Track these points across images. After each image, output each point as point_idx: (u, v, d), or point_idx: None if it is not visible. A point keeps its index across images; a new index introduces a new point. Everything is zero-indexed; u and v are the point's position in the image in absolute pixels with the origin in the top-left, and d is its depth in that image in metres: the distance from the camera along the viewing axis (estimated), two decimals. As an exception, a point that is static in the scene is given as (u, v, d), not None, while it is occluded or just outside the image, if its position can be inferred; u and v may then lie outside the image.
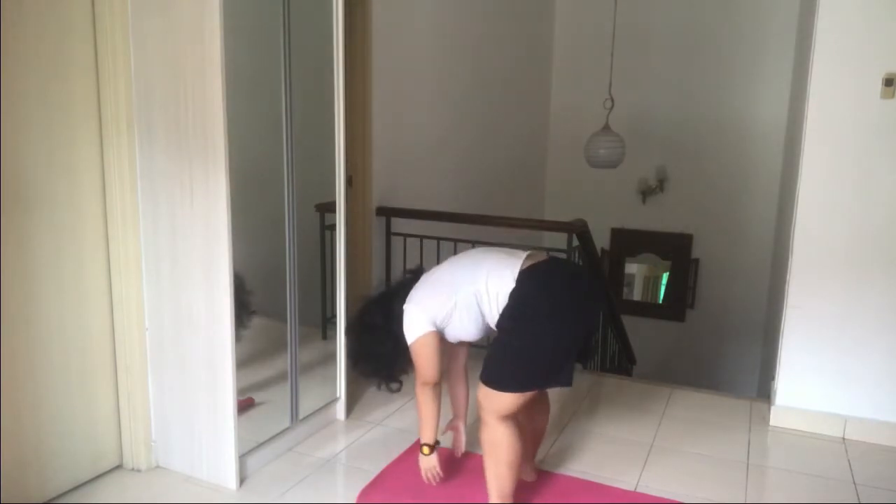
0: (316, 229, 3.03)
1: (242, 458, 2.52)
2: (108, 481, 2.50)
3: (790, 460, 2.82)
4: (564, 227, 3.62)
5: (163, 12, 2.28)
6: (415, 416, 2.71)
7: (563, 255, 3.52)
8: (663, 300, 6.43)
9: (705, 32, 5.80)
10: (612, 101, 4.78)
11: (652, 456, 2.79)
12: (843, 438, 2.99)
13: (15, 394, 2.20)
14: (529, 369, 2.14)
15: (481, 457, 2.25)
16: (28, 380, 2.24)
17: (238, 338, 2.41)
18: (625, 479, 2.60)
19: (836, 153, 2.91)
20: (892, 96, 2.79)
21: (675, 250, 6.22)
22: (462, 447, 2.62)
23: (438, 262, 2.45)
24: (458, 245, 3.67)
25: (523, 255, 2.23)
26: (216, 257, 2.33)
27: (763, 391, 4.43)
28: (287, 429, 2.77)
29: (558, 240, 3.69)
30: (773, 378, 3.22)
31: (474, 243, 3.62)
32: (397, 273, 3.81)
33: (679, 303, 6.26)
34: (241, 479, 2.51)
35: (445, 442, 2.63)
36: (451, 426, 2.62)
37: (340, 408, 3.06)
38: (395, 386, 2.43)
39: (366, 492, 2.47)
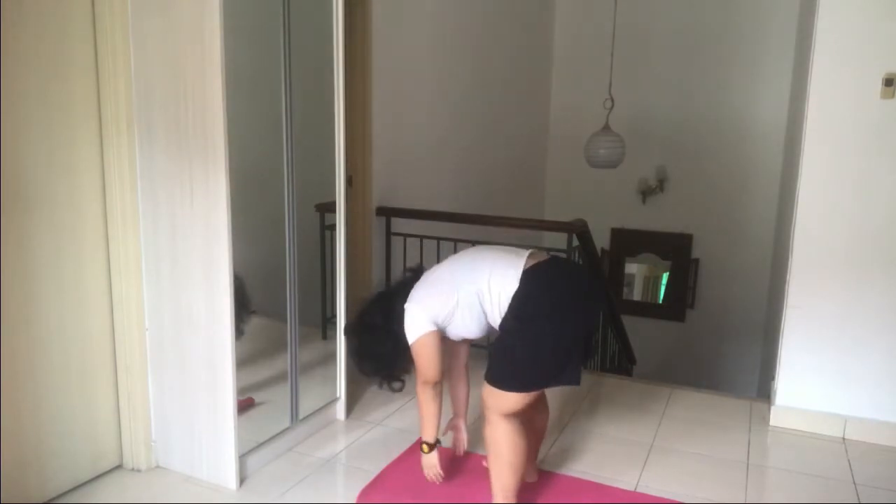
0: (316, 229, 3.03)
1: (242, 458, 2.52)
2: (108, 481, 2.50)
3: (790, 460, 2.82)
4: (564, 227, 3.62)
5: (163, 12, 2.28)
6: (415, 416, 2.72)
7: (563, 255, 3.52)
8: (663, 300, 6.43)
9: (705, 32, 5.80)
10: (612, 101, 4.78)
11: (652, 456, 2.79)
12: (843, 438, 2.99)
13: (15, 394, 2.20)
14: (534, 369, 2.14)
15: (482, 457, 2.25)
16: (28, 380, 2.24)
17: (237, 334, 2.41)
18: (625, 479, 2.60)
19: (836, 153, 2.91)
20: (892, 96, 2.79)
21: (675, 250, 6.22)
22: (463, 446, 2.62)
23: (438, 262, 2.45)
24: (457, 245, 3.66)
25: (525, 253, 2.23)
26: (216, 257, 2.33)
27: (763, 391, 4.43)
28: (287, 429, 2.77)
29: (558, 240, 3.69)
30: (773, 378, 3.22)
31: (474, 243, 3.61)
32: (397, 273, 3.81)
33: (679, 303, 6.26)
34: (241, 479, 2.51)
35: (446, 442, 2.63)
36: (452, 425, 2.62)
37: (340, 408, 3.06)
38: (397, 385, 2.43)
39: (366, 492, 2.47)
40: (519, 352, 2.13)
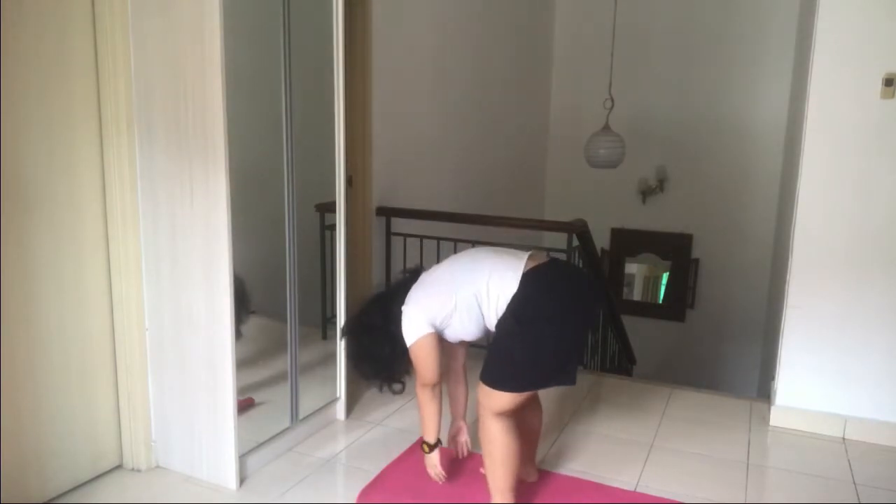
0: (316, 229, 3.03)
1: (242, 458, 2.52)
2: (108, 481, 2.50)
3: (790, 460, 2.82)
4: (564, 227, 3.62)
5: (163, 12, 2.28)
6: (415, 416, 2.72)
7: (563, 255, 3.52)
8: (663, 300, 6.43)
9: (705, 32, 5.80)
10: (612, 101, 4.78)
11: (652, 456, 2.79)
12: (843, 438, 2.99)
13: (15, 394, 2.20)
14: (533, 371, 2.14)
15: (482, 459, 2.26)
16: (28, 380, 2.24)
17: (238, 364, 2.41)
18: (625, 479, 2.60)
19: (836, 153, 2.91)
20: (892, 96, 2.79)
21: (675, 250, 6.22)
22: (466, 448, 2.62)
23: (438, 262, 2.44)
24: (457, 245, 3.67)
25: (525, 255, 2.22)
26: (216, 257, 2.33)
27: (763, 391, 4.43)
28: (287, 429, 2.77)
29: (558, 240, 3.69)
30: (773, 378, 3.22)
31: (474, 243, 3.62)
32: (397, 273, 3.82)
33: (679, 303, 6.26)
34: (241, 479, 2.51)
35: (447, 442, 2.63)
36: (454, 431, 2.61)
37: (340, 408, 3.06)
38: (397, 387, 2.42)
39: (366, 492, 2.47)
40: (518, 353, 2.13)
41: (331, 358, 3.02)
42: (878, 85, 2.80)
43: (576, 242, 3.73)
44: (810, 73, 2.92)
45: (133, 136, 2.39)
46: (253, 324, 2.61)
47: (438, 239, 3.76)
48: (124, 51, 2.34)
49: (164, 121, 2.34)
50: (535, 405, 2.44)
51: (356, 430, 2.97)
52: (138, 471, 2.57)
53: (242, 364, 2.49)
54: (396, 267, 3.84)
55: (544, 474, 2.60)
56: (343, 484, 2.59)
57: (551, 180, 6.53)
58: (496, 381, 2.14)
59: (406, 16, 3.87)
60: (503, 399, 2.13)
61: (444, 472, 2.42)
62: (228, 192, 2.28)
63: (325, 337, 3.12)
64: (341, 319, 2.95)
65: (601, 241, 6.16)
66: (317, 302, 3.08)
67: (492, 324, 2.20)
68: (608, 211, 6.30)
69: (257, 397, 2.71)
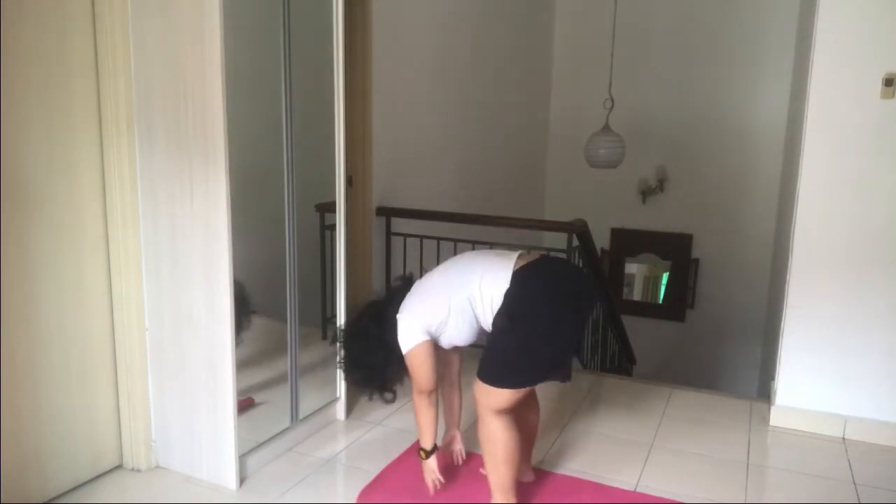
0: (316, 229, 3.03)
1: (242, 458, 2.52)
2: (108, 481, 2.50)
3: (790, 460, 2.82)
4: (564, 227, 3.62)
5: (163, 12, 2.28)
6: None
7: (563, 255, 3.52)
8: (663, 300, 6.43)
9: (705, 32, 5.80)
10: (612, 101, 4.78)
11: (652, 456, 2.79)
12: (843, 438, 2.99)
13: (15, 394, 2.20)
14: (526, 366, 2.15)
15: (482, 460, 2.26)
16: (28, 380, 2.24)
17: (237, 341, 2.41)
18: (625, 479, 2.60)
19: (836, 153, 2.91)
20: (892, 96, 2.79)
21: (675, 250, 6.22)
22: (462, 455, 2.62)
23: (438, 262, 2.44)
24: (457, 245, 3.67)
25: (514, 255, 2.23)
26: (216, 257, 2.33)
27: (763, 391, 4.43)
28: (287, 429, 2.77)
29: (558, 240, 3.69)
30: (773, 378, 3.22)
31: (474, 243, 3.63)
32: (397, 273, 3.83)
33: (679, 303, 6.26)
34: (241, 479, 2.51)
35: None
36: (448, 440, 2.60)
37: (340, 408, 3.06)
38: (388, 396, 2.39)
39: (366, 492, 2.47)
40: (512, 350, 2.14)
41: (331, 358, 3.01)
42: (878, 85, 2.80)
43: (576, 242, 3.74)
44: (810, 73, 2.92)
45: (133, 136, 2.39)
46: (253, 324, 2.61)
47: (438, 239, 3.76)
48: (124, 51, 2.34)
49: (164, 121, 2.34)
50: (532, 403, 2.45)
51: (356, 430, 2.97)
52: (138, 471, 2.57)
53: (242, 364, 2.49)
54: (396, 267, 3.84)
55: (544, 474, 2.60)
56: (343, 484, 2.59)
57: (551, 180, 6.53)
58: (493, 378, 2.14)
59: (406, 16, 3.87)
60: (501, 396, 2.14)
61: (441, 478, 2.42)
62: (228, 192, 2.28)
63: (325, 337, 3.12)
64: (341, 319, 2.95)
65: (601, 241, 6.16)
66: (317, 302, 3.08)
67: (487, 325, 2.21)
68: (608, 211, 6.30)
69: (257, 397, 2.71)
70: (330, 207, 2.91)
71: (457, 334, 2.25)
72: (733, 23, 5.69)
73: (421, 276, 2.40)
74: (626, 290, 6.55)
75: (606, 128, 4.88)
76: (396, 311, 2.27)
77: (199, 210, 2.34)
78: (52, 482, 2.36)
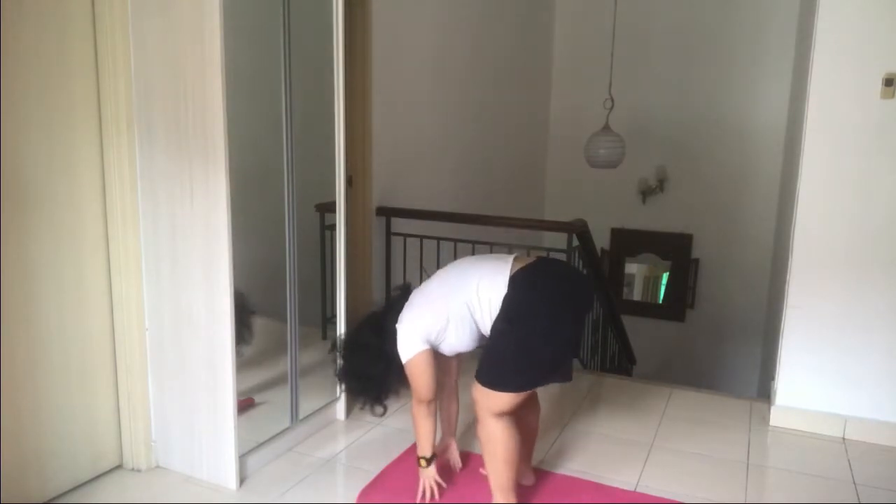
0: (316, 229, 3.03)
1: (242, 458, 2.52)
2: (108, 481, 2.50)
3: (790, 460, 2.82)
4: (564, 227, 3.62)
5: (163, 12, 2.28)
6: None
7: (563, 255, 3.52)
8: (663, 300, 6.43)
9: (705, 32, 5.80)
10: (612, 101, 4.78)
11: (652, 456, 2.79)
12: (843, 438, 2.99)
13: (15, 394, 2.20)
14: (525, 368, 2.15)
15: (482, 460, 2.25)
16: (28, 380, 2.24)
17: (239, 353, 2.41)
18: (625, 479, 2.60)
19: (836, 153, 2.91)
20: (892, 96, 2.79)
21: (675, 250, 6.22)
22: (458, 464, 2.61)
23: (438, 262, 2.44)
24: (458, 245, 3.67)
25: (510, 258, 2.24)
26: (216, 257, 2.33)
27: (763, 391, 4.43)
28: (287, 429, 2.77)
29: (558, 240, 3.69)
30: (773, 378, 3.22)
31: (474, 243, 3.64)
32: (398, 273, 3.84)
33: (679, 303, 6.26)
34: (241, 479, 2.51)
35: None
36: (443, 447, 2.59)
37: (340, 408, 3.06)
38: (379, 410, 2.38)
39: (366, 492, 2.47)
40: (511, 353, 2.14)
41: (331, 358, 3.02)
42: (878, 85, 2.80)
43: (576, 242, 3.73)
44: (810, 73, 2.92)
45: (133, 136, 2.39)
46: (253, 324, 2.61)
47: (438, 239, 3.76)
48: (124, 51, 2.34)
49: (164, 121, 2.34)
50: (533, 404, 2.44)
51: (356, 430, 2.97)
52: (138, 471, 2.57)
53: (242, 364, 2.49)
54: (396, 267, 3.84)
55: (544, 474, 2.60)
56: (343, 484, 2.59)
57: (551, 180, 6.53)
58: (493, 381, 2.14)
59: (406, 16, 3.87)
60: (501, 399, 2.13)
61: (441, 483, 2.42)
62: (228, 192, 2.28)
63: (325, 337, 3.12)
64: (341, 319, 2.95)
65: (601, 241, 6.16)
66: (317, 302, 3.08)
67: (487, 330, 2.21)
68: (608, 211, 6.30)
69: (257, 397, 2.71)
70: (330, 207, 2.91)
71: (457, 341, 2.25)
72: (733, 23, 5.69)
73: (421, 277, 2.40)
74: (626, 290, 6.55)
75: (606, 128, 4.88)
76: (395, 322, 2.27)
77: (199, 210, 2.34)
78: (52, 482, 2.36)
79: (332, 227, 2.96)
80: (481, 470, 2.50)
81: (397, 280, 3.81)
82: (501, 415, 2.15)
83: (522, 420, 2.34)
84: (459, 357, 2.42)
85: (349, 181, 3.43)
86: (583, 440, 2.91)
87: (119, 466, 2.58)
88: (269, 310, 2.77)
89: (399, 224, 3.82)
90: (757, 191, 5.75)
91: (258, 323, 2.68)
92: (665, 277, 6.38)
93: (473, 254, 3.55)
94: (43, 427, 2.30)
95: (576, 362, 4.11)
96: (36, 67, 2.16)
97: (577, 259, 3.80)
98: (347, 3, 2.90)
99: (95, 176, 2.39)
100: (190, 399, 2.49)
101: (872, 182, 2.88)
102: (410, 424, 2.95)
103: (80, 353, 2.40)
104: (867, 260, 2.92)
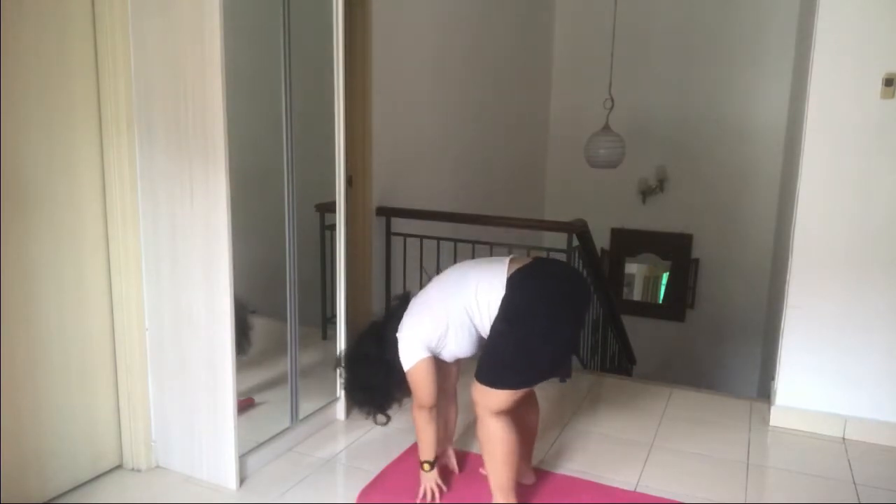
0: (316, 229, 3.03)
1: (242, 458, 2.52)
2: (108, 481, 2.50)
3: (790, 460, 2.82)
4: (564, 227, 3.62)
5: (163, 12, 2.28)
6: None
7: (563, 255, 3.52)
8: (663, 300, 6.43)
9: (705, 32, 5.80)
10: (612, 101, 4.78)
11: (652, 456, 2.79)
12: (843, 438, 2.99)
13: (15, 394, 2.20)
14: (524, 367, 2.15)
15: (482, 461, 2.26)
16: (28, 380, 2.24)
17: (237, 359, 2.41)
18: (625, 479, 2.60)
19: (836, 153, 2.91)
20: (892, 96, 2.79)
21: (675, 250, 6.22)
22: (456, 467, 2.61)
23: (438, 262, 2.45)
24: (458, 245, 3.67)
25: (506, 260, 2.24)
26: (216, 257, 2.33)
27: (763, 391, 4.43)
28: (287, 429, 2.77)
29: (558, 240, 3.69)
30: (773, 378, 3.22)
31: (474, 243, 3.64)
32: (398, 273, 3.84)
33: (679, 303, 6.26)
34: (241, 479, 2.51)
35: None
36: (439, 452, 2.58)
37: (340, 408, 3.06)
38: (381, 419, 2.40)
39: (366, 492, 2.47)
40: (510, 351, 2.14)
41: (331, 358, 3.02)
42: (878, 85, 2.80)
43: (576, 242, 3.73)
44: (810, 73, 2.92)
45: (133, 136, 2.39)
46: (253, 321, 2.61)
47: (438, 239, 3.76)
48: (124, 51, 2.33)
49: (164, 121, 2.34)
50: (532, 403, 2.45)
51: (356, 430, 2.97)
52: (138, 471, 2.57)
53: (242, 364, 2.48)
54: (396, 267, 3.84)
55: (544, 474, 2.60)
56: (343, 484, 2.59)
57: (551, 180, 6.53)
58: (491, 379, 2.15)
59: (406, 16, 3.87)
60: (499, 397, 2.14)
61: (443, 486, 2.42)
62: (228, 192, 2.28)
63: (325, 337, 3.12)
64: (341, 319, 2.95)
65: (601, 241, 6.16)
66: (317, 302, 3.08)
67: (486, 333, 2.21)
68: (608, 211, 6.30)
69: (257, 397, 2.71)
70: (330, 207, 2.91)
71: (457, 347, 2.26)
72: (733, 23, 5.69)
73: (421, 277, 2.41)
74: (626, 290, 6.55)
75: (606, 128, 4.88)
76: (395, 330, 2.27)
77: (199, 210, 2.34)
78: (52, 482, 2.36)
79: (332, 227, 2.96)
80: (481, 470, 2.50)
81: (397, 280, 3.81)
82: (500, 414, 2.16)
83: (522, 420, 2.34)
84: (459, 362, 2.43)
85: (349, 181, 3.43)
86: (583, 440, 2.91)
87: (119, 466, 2.58)
88: (269, 310, 2.77)
89: (399, 224, 3.82)
90: (757, 191, 5.75)
91: (258, 323, 2.68)
92: (665, 277, 6.38)
93: (473, 254, 3.55)
94: (43, 427, 2.30)
95: (576, 362, 4.12)
96: (36, 67, 2.16)
97: (577, 259, 3.80)
98: (347, 3, 2.90)
99: (95, 176, 2.39)
100: (190, 399, 2.49)
101: (872, 182, 2.88)
102: (410, 425, 2.95)
103: (80, 353, 2.40)
104: (867, 260, 2.92)
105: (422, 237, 3.80)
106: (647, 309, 6.42)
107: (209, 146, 2.27)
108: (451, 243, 3.68)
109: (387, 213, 3.77)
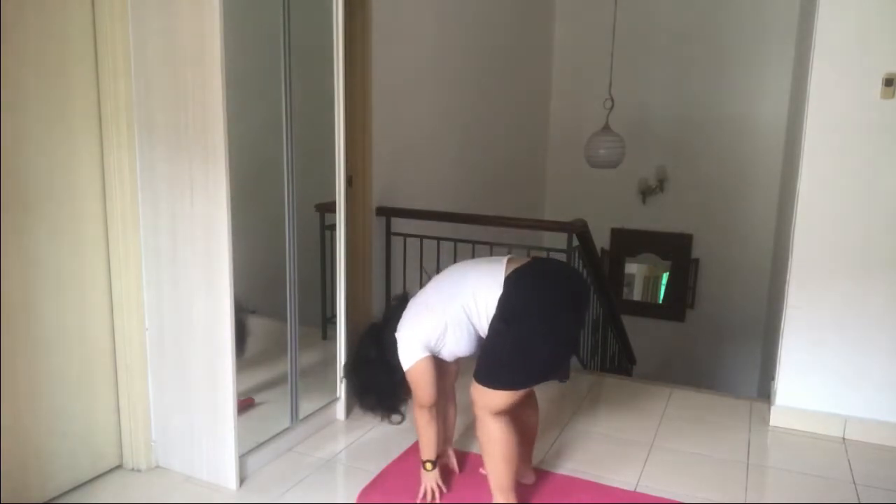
0: (316, 229, 3.03)
1: (242, 458, 2.52)
2: (108, 481, 2.50)
3: (790, 460, 2.82)
4: (564, 227, 3.62)
5: (163, 12, 2.28)
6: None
7: (563, 256, 3.52)
8: (663, 300, 6.43)
9: (705, 32, 5.80)
10: (612, 101, 4.78)
11: (652, 456, 2.79)
12: (843, 438, 2.99)
13: (15, 394, 2.20)
14: (522, 367, 2.15)
15: (482, 460, 2.26)
16: (28, 380, 2.24)
17: (239, 365, 2.41)
18: (625, 479, 2.60)
19: (836, 153, 2.91)
20: (892, 96, 2.79)
21: (675, 250, 6.22)
22: (455, 467, 2.61)
23: (438, 262, 2.45)
24: (458, 245, 3.67)
25: (504, 259, 2.24)
26: (216, 257, 2.33)
27: (763, 391, 4.43)
28: (287, 429, 2.77)
29: (558, 240, 3.69)
30: (773, 378, 3.22)
31: (474, 243, 3.63)
32: (398, 273, 3.83)
33: (679, 303, 6.26)
34: (241, 479, 2.51)
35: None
36: (439, 453, 2.59)
37: (340, 408, 3.06)
38: (396, 418, 2.40)
39: (366, 492, 2.47)
40: (508, 352, 2.14)
41: (331, 358, 3.02)
42: (878, 85, 2.80)
43: (576, 242, 3.73)
44: (810, 73, 2.92)
45: (133, 136, 2.39)
46: (253, 324, 2.61)
47: (438, 239, 3.76)
48: (124, 51, 2.33)
49: (164, 121, 2.34)
50: (531, 403, 2.45)
51: (356, 430, 2.97)
52: (138, 471, 2.57)
53: (242, 364, 2.49)
54: (396, 267, 3.84)
55: (544, 474, 2.60)
56: (343, 484, 2.59)
57: (551, 180, 6.53)
58: (490, 379, 2.15)
59: (406, 16, 3.87)
60: (498, 397, 2.14)
61: (443, 487, 2.42)
62: (228, 192, 2.28)
63: (325, 337, 3.12)
64: (341, 319, 2.95)
65: (601, 241, 6.16)
66: (317, 302, 3.08)
67: (485, 333, 2.21)
68: (608, 211, 6.29)
69: (257, 397, 2.71)
70: (330, 207, 2.91)
71: (456, 346, 2.26)
72: (733, 23, 5.69)
73: (421, 277, 2.41)
74: (626, 290, 6.55)
75: (606, 128, 4.87)
76: (394, 331, 2.28)
77: (199, 210, 2.34)
78: (52, 482, 2.36)
79: (332, 227, 2.96)
80: (481, 470, 2.50)
81: (397, 280, 3.81)
82: (500, 414, 2.16)
83: (522, 420, 2.34)
84: (458, 362, 2.43)
85: (349, 181, 3.42)
86: (583, 440, 2.91)
87: (119, 466, 2.58)
88: (269, 310, 2.77)
89: (399, 224, 3.82)
90: (757, 191, 5.75)
91: (258, 323, 2.68)
92: (665, 277, 6.38)
93: (473, 254, 3.55)
94: (43, 427, 2.30)
95: (576, 362, 4.12)
96: (36, 67, 2.16)
97: (576, 259, 3.80)
98: (347, 3, 2.90)
99: (95, 176, 2.39)
100: (190, 399, 2.49)
101: (873, 182, 2.87)
102: (410, 425, 2.95)
103: (80, 354, 2.40)
104: (867, 260, 2.92)
105: (422, 237, 3.80)
106: (647, 309, 6.42)
107: (209, 146, 2.27)
108: (451, 243, 3.68)
109: (387, 213, 3.77)
